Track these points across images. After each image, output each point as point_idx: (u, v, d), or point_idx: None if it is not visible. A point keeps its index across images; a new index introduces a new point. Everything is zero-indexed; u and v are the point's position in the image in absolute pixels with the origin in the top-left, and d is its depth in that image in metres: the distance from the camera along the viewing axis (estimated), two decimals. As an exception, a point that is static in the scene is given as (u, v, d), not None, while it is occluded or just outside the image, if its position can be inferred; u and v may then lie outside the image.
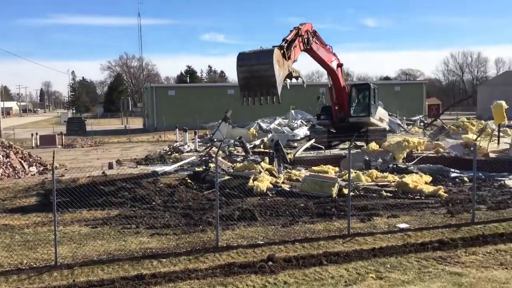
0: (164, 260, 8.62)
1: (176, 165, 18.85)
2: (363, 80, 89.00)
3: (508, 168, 16.89)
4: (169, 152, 24.15)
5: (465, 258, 8.51)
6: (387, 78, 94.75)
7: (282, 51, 15.55)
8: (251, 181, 14.52)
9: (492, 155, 18.69)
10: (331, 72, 21.04)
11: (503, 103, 20.03)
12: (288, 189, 14.43)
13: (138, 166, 20.13)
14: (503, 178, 16.19)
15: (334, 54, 20.84)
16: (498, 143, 21.11)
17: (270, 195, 14.00)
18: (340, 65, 21.34)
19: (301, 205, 12.66)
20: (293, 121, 33.79)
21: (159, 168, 18.07)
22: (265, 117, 34.79)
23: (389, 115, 29.15)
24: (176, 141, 30.75)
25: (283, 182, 15.38)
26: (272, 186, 14.63)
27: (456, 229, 10.48)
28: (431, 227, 10.57)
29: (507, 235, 9.83)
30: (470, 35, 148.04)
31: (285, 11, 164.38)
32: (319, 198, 13.32)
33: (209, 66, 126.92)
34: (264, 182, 14.44)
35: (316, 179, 14.08)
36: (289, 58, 16.13)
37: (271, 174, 15.94)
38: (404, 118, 39.36)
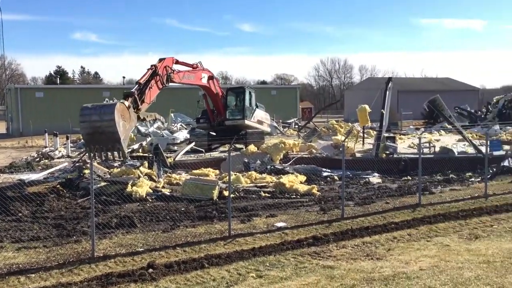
0: (33, 275, 7.94)
1: (45, 172, 17.52)
2: (241, 83, 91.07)
3: (372, 166, 18.54)
4: (38, 159, 22.38)
5: (336, 252, 9.11)
6: (264, 82, 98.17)
7: (128, 104, 14.66)
8: (129, 186, 14.04)
9: (358, 154, 20.32)
10: (203, 87, 21.31)
11: (367, 106, 21.91)
12: (168, 194, 14.22)
13: (1, 174, 18.32)
14: (368, 176, 17.71)
15: (204, 69, 20.87)
16: (363, 143, 23.05)
17: (150, 200, 13.67)
18: (211, 78, 21.44)
19: (182, 209, 12.54)
20: (173, 124, 33.43)
21: (26, 176, 16.65)
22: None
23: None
24: (46, 147, 28.57)
25: (163, 187, 15.13)
26: (152, 191, 14.30)
27: (328, 225, 11.18)
28: (306, 224, 11.15)
29: (371, 228, 10.75)
30: (337, 43, 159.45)
31: (162, 11, 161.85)
32: (201, 201, 13.34)
33: (81, 66, 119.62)
34: (143, 187, 14.05)
35: (196, 182, 14.07)
36: (143, 102, 15.43)
37: (151, 179, 15.59)
38: (280, 120, 41.13)
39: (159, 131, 28.62)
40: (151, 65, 16.55)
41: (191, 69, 19.82)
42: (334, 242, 9.75)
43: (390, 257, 8.60)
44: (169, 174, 16.84)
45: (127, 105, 14.50)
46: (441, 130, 28.52)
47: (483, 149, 17.79)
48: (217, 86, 21.95)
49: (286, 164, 18.49)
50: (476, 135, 24.91)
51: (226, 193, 13.31)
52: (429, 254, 8.57)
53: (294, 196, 14.33)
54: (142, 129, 27.90)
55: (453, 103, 44.10)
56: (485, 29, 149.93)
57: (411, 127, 36.58)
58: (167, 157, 18.78)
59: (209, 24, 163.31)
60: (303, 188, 14.81)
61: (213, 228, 10.87)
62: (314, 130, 29.37)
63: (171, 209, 12.42)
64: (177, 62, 18.50)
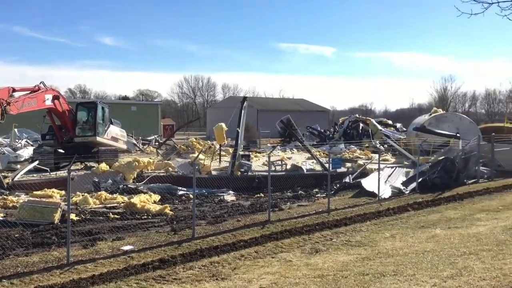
0: None
1: None
2: (100, 98, 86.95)
3: (227, 184, 18.79)
4: None
5: (182, 274, 8.88)
6: (126, 98, 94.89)
7: None
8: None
9: (214, 172, 20.47)
10: (48, 108, 19.92)
11: (223, 125, 22.27)
12: (1, 218, 12.71)
13: None
14: (223, 194, 17.89)
15: (47, 90, 19.64)
16: (220, 161, 23.33)
17: (-23, 227, 12.06)
18: (56, 97, 20.14)
19: (16, 235, 11.28)
20: (17, 140, 30.43)
21: None
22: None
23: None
24: None
25: (-4, 211, 13.51)
26: (-20, 216, 12.66)
27: (177, 246, 10.92)
28: (154, 246, 10.76)
29: (221, 247, 10.75)
30: (201, 61, 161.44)
31: (10, 17, 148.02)
32: (39, 226, 12.15)
33: None
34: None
35: (35, 205, 12.81)
36: None
37: (-19, 202, 13.82)
38: (140, 138, 39.96)
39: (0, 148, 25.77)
40: None
41: (31, 93, 18.38)
42: (181, 263, 9.52)
43: (235, 276, 8.63)
44: (5, 196, 15.13)
45: None
46: (294, 148, 30.21)
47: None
48: (63, 104, 20.66)
49: (140, 183, 17.85)
50: (323, 153, 26.81)
51: (72, 216, 12.34)
52: (271, 271, 8.79)
53: (145, 217, 13.82)
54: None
55: (307, 123, 47.28)
56: (335, 56, 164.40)
57: (268, 145, 38.19)
58: (4, 177, 16.89)
59: (65, 34, 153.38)
60: (156, 208, 14.38)
61: (50, 255, 9.93)
62: (173, 147, 29.03)
63: (2, 236, 11.08)
64: (14, 90, 17.02)
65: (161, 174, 19.56)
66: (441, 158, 21.61)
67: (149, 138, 42.04)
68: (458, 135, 26.02)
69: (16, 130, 31.51)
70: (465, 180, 21.49)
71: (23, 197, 15.27)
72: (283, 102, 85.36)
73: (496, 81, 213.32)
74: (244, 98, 21.90)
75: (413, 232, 11.96)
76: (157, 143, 38.85)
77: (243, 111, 21.27)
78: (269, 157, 14.43)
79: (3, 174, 17.69)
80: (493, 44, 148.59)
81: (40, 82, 19.33)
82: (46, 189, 16.07)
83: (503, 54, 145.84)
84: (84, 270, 9.09)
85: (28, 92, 18.51)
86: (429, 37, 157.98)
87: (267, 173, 19.11)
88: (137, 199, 14.58)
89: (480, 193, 18.77)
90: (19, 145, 28.73)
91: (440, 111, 34.47)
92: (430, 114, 32.18)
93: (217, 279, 8.55)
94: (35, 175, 19.16)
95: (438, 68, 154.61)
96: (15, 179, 17.35)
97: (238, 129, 20.93)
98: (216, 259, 9.92)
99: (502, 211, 14.44)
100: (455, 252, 8.37)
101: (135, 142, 36.15)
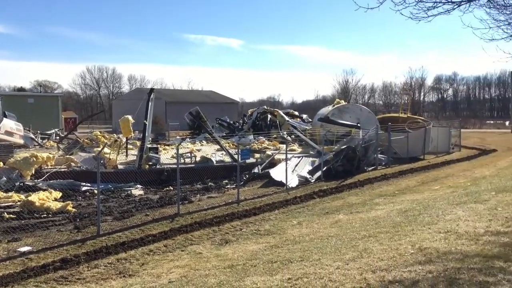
0: None
1: None
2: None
3: (135, 178, 18.25)
4: None
5: (87, 273, 8.49)
6: (22, 89, 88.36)
7: None
8: None
9: (120, 166, 19.76)
10: None
11: (130, 117, 21.54)
12: None
13: None
14: (130, 188, 17.34)
15: None
16: (127, 155, 22.58)
17: None
18: None
19: None
20: None
21: None
22: None
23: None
24: None
25: None
26: None
27: (81, 244, 10.42)
28: (56, 246, 10.18)
29: (128, 243, 10.43)
30: (104, 51, 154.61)
31: None
32: None
33: None
34: None
35: None
36: None
37: None
38: (39, 131, 37.42)
39: None
40: None
41: None
42: (85, 262, 9.10)
43: (143, 272, 8.41)
44: None
45: None
46: (203, 140, 30.06)
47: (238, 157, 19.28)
48: None
49: (38, 180, 16.72)
50: (233, 145, 26.97)
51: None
52: (180, 264, 8.68)
53: (45, 216, 12.99)
54: None
55: (217, 115, 47.21)
56: (243, 48, 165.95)
57: (177, 137, 37.61)
58: None
59: None
60: (57, 205, 13.57)
61: None
62: (75, 141, 27.52)
63: None
64: None
65: (63, 170, 18.47)
66: (343, 147, 22.70)
67: (49, 132, 39.45)
68: (358, 125, 27.47)
69: None
70: (365, 168, 22.81)
71: None
72: (192, 94, 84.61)
73: (392, 74, 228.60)
74: (151, 90, 21.32)
75: (319, 219, 12.45)
76: (58, 137, 36.63)
77: (150, 103, 20.72)
78: (177, 149, 14.23)
79: None
80: (390, 38, 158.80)
81: None
82: None
83: (397, 48, 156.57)
84: (-26, 276, 8.36)
85: None
86: (330, 31, 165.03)
87: (175, 166, 18.93)
88: (35, 197, 13.65)
89: (378, 179, 20.03)
90: None
91: (342, 102, 36.17)
92: (333, 105, 33.64)
93: (124, 276, 8.28)
94: None
95: (340, 61, 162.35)
96: None
97: (145, 121, 20.36)
98: (123, 255, 9.61)
99: (398, 195, 15.52)
100: (356, 235, 8.83)
101: (33, 136, 33.75)
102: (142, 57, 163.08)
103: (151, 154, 19.92)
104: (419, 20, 7.16)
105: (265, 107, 40.66)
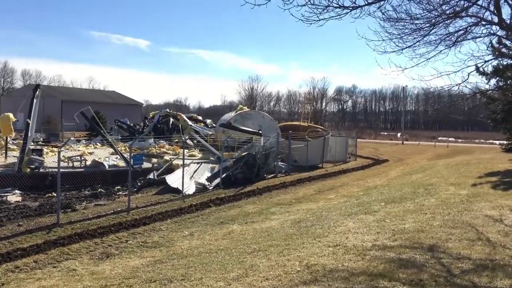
0: None
1: None
2: None
3: (13, 183, 16.41)
4: None
5: None
6: None
7: None
8: None
9: (-3, 169, 17.74)
10: None
11: (11, 115, 19.50)
12: None
13: None
14: (6, 194, 15.57)
15: None
16: (6, 156, 20.39)
17: None
18: None
19: None
20: None
21: None
22: None
23: None
24: None
25: None
26: None
27: None
28: None
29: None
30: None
31: None
32: None
33: None
34: None
35: None
36: None
37: None
38: None
39: None
40: None
41: None
42: None
43: (0, 295, 7.25)
44: None
45: None
46: (98, 143, 28.27)
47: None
48: None
49: None
50: (129, 148, 25.56)
51: None
52: (47, 285, 7.61)
53: None
54: None
55: (118, 116, 45.08)
56: (150, 49, 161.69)
57: (72, 138, 35.14)
58: None
59: None
60: None
61: None
62: None
63: None
64: None
65: None
66: (244, 154, 22.44)
67: None
68: (260, 132, 27.44)
69: None
70: (265, 175, 22.73)
71: None
72: (92, 93, 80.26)
73: (297, 83, 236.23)
74: (37, 86, 19.38)
75: (212, 229, 11.88)
76: None
77: (35, 100, 18.85)
78: (59, 152, 12.91)
79: None
80: (295, 49, 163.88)
81: None
82: None
83: (302, 58, 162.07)
84: None
85: None
86: (236, 37, 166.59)
87: (64, 170, 17.36)
88: None
89: (277, 187, 19.96)
90: None
91: (245, 109, 36.13)
92: (236, 111, 33.45)
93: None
94: None
95: (248, 68, 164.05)
96: None
97: (28, 120, 18.48)
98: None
99: (294, 204, 15.43)
100: (246, 249, 8.38)
101: None
102: (39, 52, 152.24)
103: (34, 157, 18.09)
104: (310, 24, 6.87)
105: (167, 110, 39.42)
